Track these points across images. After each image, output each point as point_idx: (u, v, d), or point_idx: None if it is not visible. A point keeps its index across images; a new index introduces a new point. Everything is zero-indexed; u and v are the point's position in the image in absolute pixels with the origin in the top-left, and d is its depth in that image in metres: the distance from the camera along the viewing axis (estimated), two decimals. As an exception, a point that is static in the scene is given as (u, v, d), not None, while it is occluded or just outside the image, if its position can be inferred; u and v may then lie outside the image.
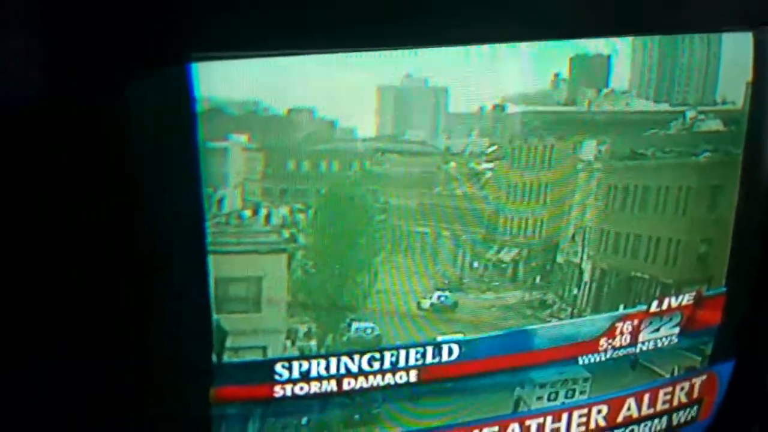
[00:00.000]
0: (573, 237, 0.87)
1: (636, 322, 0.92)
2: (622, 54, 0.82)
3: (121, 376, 0.77)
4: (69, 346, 0.76)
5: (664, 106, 0.85)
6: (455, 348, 0.85)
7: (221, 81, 0.72)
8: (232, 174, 0.75)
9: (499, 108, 0.79)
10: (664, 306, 0.93)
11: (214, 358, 0.78)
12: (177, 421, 0.80)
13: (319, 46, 0.73)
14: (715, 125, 0.88)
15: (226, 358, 0.78)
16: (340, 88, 0.75)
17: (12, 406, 0.78)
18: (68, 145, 0.75)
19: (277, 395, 0.81)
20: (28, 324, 0.75)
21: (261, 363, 0.80)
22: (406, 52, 0.76)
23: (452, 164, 0.80)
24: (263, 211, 0.76)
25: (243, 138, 0.74)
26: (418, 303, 0.83)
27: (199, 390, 0.79)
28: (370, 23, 0.74)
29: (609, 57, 0.82)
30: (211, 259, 0.75)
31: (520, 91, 0.80)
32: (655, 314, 0.93)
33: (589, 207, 0.86)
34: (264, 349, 0.80)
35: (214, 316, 0.77)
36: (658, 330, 0.94)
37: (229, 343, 0.78)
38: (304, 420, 0.83)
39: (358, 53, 0.74)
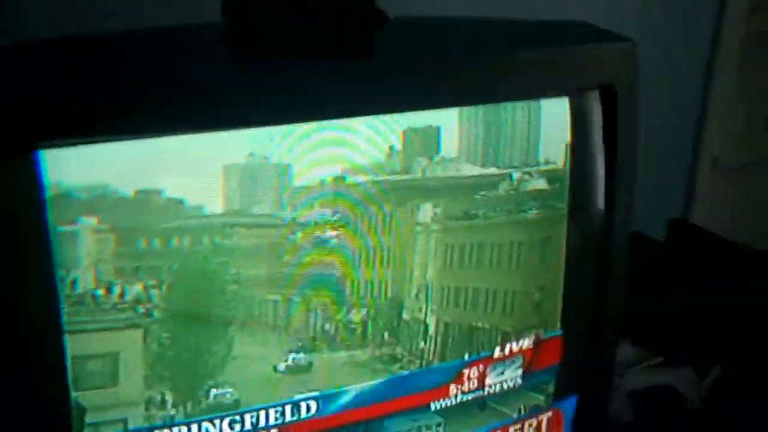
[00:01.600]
0: (417, 294, 0.92)
1: (481, 367, 0.98)
2: (449, 124, 0.89)
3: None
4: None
5: (492, 170, 0.92)
6: (313, 405, 0.90)
7: (68, 166, 0.74)
8: (84, 255, 0.77)
9: (340, 179, 0.85)
10: (506, 351, 0.99)
11: (73, 434, 0.80)
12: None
13: (163, 129, 0.77)
14: (540, 184, 0.96)
15: (86, 433, 0.80)
16: (186, 168, 0.78)
17: None
18: None
19: (139, 465, 0.83)
20: None
21: (122, 435, 0.82)
22: (247, 131, 0.80)
23: (299, 234, 0.84)
24: (117, 289, 0.79)
25: (93, 220, 0.76)
26: (274, 366, 0.87)
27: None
28: (210, 105, 0.78)
29: (438, 127, 0.88)
30: (67, 339, 0.77)
31: (359, 163, 0.85)
32: (498, 359, 0.99)
33: (429, 266, 0.92)
34: (125, 421, 0.82)
35: (73, 394, 0.79)
36: (502, 373, 1.00)
37: (88, 418, 0.80)
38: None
39: (201, 134, 0.78)
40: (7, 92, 0.73)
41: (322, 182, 0.84)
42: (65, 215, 0.75)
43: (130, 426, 0.82)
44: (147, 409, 0.83)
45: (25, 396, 0.77)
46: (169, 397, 0.83)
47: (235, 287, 0.83)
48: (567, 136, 0.96)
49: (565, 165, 0.96)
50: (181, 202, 0.79)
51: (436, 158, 0.89)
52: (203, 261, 0.81)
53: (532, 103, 0.93)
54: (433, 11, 1.03)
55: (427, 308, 0.93)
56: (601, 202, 1.01)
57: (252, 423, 0.87)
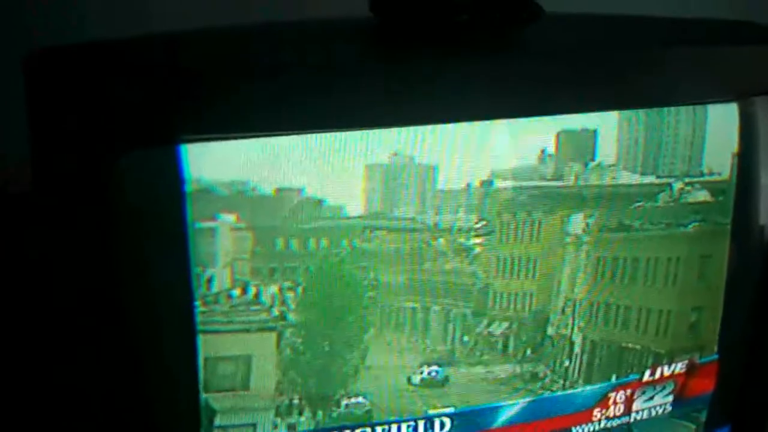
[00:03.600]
0: (563, 309, 0.86)
1: (629, 391, 0.92)
2: (607, 128, 0.83)
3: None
4: None
5: (651, 179, 0.86)
6: (447, 421, 0.85)
7: (210, 161, 0.72)
8: (221, 253, 0.75)
9: (487, 184, 0.80)
10: (657, 375, 0.92)
11: (202, 437, 0.78)
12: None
13: (306, 126, 0.74)
14: (703, 196, 0.88)
15: (215, 436, 0.78)
16: (328, 167, 0.75)
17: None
18: (54, 225, 0.76)
19: (267, 473, 0.80)
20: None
21: (251, 440, 0.80)
22: (392, 130, 0.76)
23: (441, 240, 0.80)
24: (252, 290, 0.76)
25: (232, 218, 0.74)
26: (409, 378, 0.83)
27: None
28: (356, 103, 0.74)
29: (595, 131, 0.83)
30: (200, 339, 0.75)
31: (508, 167, 0.80)
32: (648, 383, 0.92)
33: (578, 279, 0.86)
34: (254, 426, 0.79)
35: (203, 395, 0.77)
36: (651, 399, 0.93)
37: (217, 421, 0.78)
38: (295, 497, 0.82)
39: (345, 132, 0.75)
40: (150, 84, 0.72)
41: (469, 186, 0.79)
42: (204, 211, 0.73)
43: (259, 431, 0.79)
44: (277, 415, 0.80)
45: (156, 394, 0.76)
46: (300, 405, 0.80)
47: (373, 293, 0.79)
48: (734, 146, 0.88)
49: (731, 177, 0.89)
50: (321, 201, 0.75)
51: (591, 164, 0.83)
52: (341, 264, 0.78)
53: (698, 108, 0.86)
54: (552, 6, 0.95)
55: (573, 325, 0.87)
56: (766, 219, 0.93)
57: (383, 436, 0.83)
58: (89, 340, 0.75)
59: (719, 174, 0.88)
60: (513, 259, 0.83)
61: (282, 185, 0.74)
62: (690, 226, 0.89)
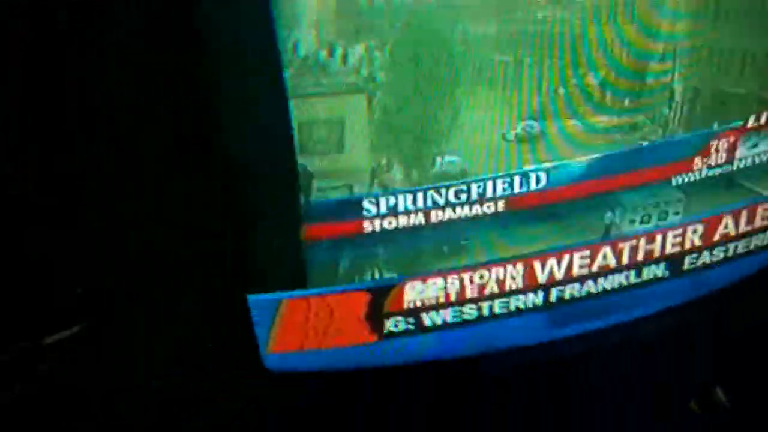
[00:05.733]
0: (663, 55, 0.83)
1: (732, 139, 0.89)
2: None
3: (216, 228, 0.79)
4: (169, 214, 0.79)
5: None
6: (543, 176, 0.84)
7: None
8: (305, 14, 0.73)
9: None
10: (762, 121, 0.89)
11: (302, 198, 0.79)
12: (272, 261, 0.83)
13: None
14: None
15: (314, 198, 0.79)
16: None
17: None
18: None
19: (366, 231, 0.82)
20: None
21: (348, 200, 0.81)
22: None
23: (532, -14, 0.77)
24: (339, 51, 0.75)
25: (313, -25, 0.72)
26: (503, 134, 0.82)
27: (291, 230, 0.81)
28: None
29: None
30: (292, 103, 0.75)
31: None
32: (752, 129, 0.89)
33: (678, 22, 0.81)
34: (350, 187, 0.81)
35: (299, 160, 0.78)
36: (756, 146, 0.90)
37: (316, 183, 0.79)
38: (393, 255, 0.84)
39: None
40: None
41: (560, -73, 0.74)
42: (285, -30, 0.71)
43: (356, 192, 0.81)
44: (372, 176, 0.81)
45: (255, 159, 0.77)
46: (395, 164, 0.81)
47: (463, 47, 0.77)
48: None
49: None
50: (404, -48, 0.72)
51: None
52: (428, 18, 0.75)
53: None
54: None
55: (674, 71, 0.83)
56: None
57: (479, 193, 0.83)
58: (182, 118, 0.76)
59: None
60: (608, 3, 0.79)
61: (363, -63, 0.71)
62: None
